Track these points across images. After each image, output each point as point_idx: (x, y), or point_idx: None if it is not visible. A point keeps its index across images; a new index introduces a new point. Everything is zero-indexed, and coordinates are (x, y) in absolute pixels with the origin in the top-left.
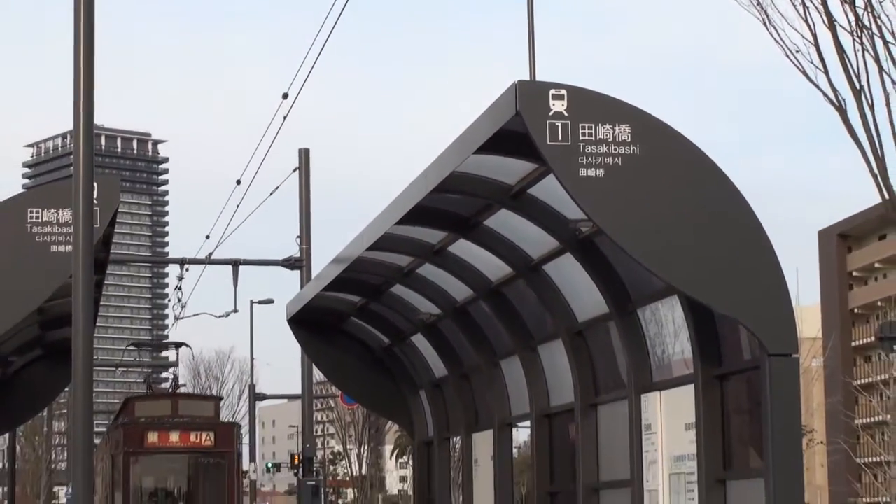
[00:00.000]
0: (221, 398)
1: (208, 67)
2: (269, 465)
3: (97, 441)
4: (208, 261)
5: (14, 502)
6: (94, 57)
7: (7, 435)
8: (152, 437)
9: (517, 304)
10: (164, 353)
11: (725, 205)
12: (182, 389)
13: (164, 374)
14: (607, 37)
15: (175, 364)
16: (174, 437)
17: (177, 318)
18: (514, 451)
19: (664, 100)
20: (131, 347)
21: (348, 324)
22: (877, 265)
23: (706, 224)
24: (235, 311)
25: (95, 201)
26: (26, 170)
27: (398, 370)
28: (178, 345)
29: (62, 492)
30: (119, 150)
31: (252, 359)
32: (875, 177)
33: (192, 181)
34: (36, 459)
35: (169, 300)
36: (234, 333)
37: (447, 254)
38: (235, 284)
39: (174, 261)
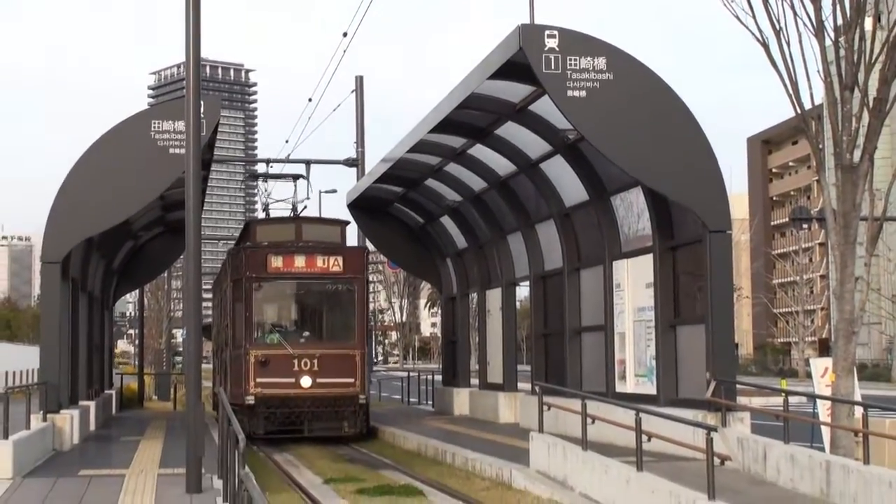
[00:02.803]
0: (348, 222)
1: (289, 10)
2: None
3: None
4: (287, 160)
5: (143, 340)
6: (201, 6)
7: (138, 290)
8: (276, 262)
9: (520, 193)
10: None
11: (676, 117)
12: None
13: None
14: None
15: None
16: (300, 261)
17: (263, 203)
18: (517, 303)
19: (641, 38)
20: (251, 179)
21: (392, 208)
22: (790, 164)
23: (662, 132)
24: (308, 198)
25: (202, 115)
26: (150, 91)
27: (430, 243)
28: (295, 176)
29: (179, 333)
30: (220, 76)
31: None
32: (790, 96)
33: (275, 99)
34: (159, 309)
35: (257, 190)
36: None
37: (467, 155)
38: (307, 178)
39: (261, 160)
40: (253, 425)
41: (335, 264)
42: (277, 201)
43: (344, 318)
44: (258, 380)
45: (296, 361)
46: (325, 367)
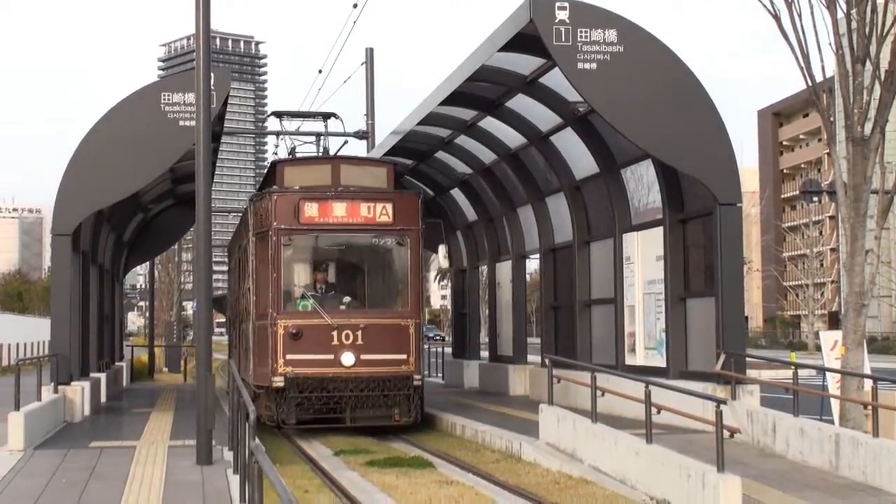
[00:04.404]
0: (396, 163)
1: None
2: None
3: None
4: (297, 132)
5: (153, 311)
6: None
7: (148, 262)
8: (310, 210)
9: (530, 165)
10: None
11: (687, 89)
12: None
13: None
14: None
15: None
16: (339, 209)
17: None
18: (527, 276)
19: (651, 11)
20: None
21: (403, 180)
22: (801, 136)
23: (672, 104)
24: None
25: (212, 88)
26: (160, 63)
27: (440, 215)
28: (326, 115)
29: (189, 305)
30: (230, 48)
31: None
32: (801, 69)
33: (285, 71)
34: (169, 281)
35: (267, 163)
36: None
37: (477, 128)
38: (318, 151)
39: (271, 133)
40: (282, 413)
41: (384, 213)
42: (306, 143)
43: (394, 280)
44: (288, 356)
45: (335, 334)
46: (371, 340)
